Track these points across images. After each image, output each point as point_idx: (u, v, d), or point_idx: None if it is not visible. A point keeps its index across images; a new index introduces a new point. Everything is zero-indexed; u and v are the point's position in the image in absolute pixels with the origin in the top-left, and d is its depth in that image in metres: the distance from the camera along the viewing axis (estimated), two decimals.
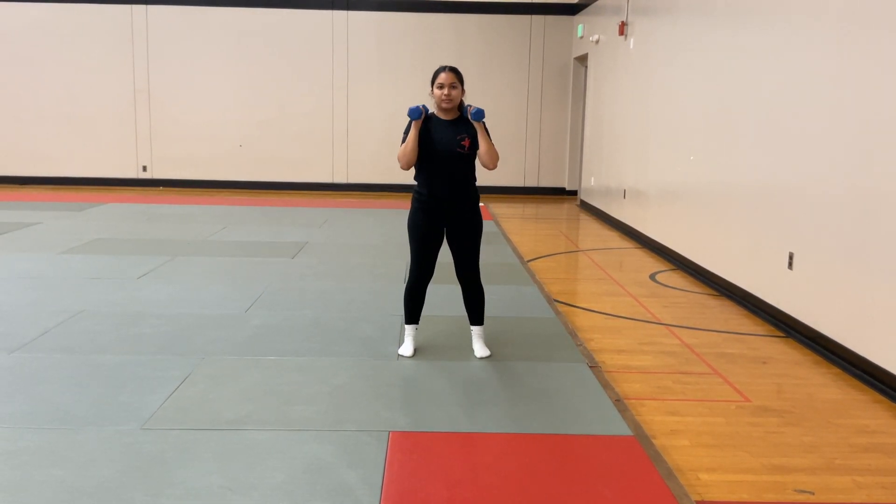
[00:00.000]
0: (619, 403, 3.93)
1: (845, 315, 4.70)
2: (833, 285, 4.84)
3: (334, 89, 13.58)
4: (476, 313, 4.61)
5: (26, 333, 4.84)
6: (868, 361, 4.41)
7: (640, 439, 3.47)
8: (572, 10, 13.28)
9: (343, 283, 6.44)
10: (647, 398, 4.11)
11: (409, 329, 4.61)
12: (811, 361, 4.81)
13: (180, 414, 3.66)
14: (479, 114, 4.28)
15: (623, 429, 3.58)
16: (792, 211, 5.38)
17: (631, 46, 9.63)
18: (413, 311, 4.58)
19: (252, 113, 13.56)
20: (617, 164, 10.29)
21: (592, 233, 10.02)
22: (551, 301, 6.00)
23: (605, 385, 4.18)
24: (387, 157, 12.77)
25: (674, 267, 7.65)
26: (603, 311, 5.90)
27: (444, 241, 4.51)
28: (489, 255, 6.86)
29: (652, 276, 7.23)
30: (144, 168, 13.81)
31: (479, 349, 4.60)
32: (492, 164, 4.36)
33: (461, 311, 4.84)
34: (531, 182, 13.94)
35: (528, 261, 7.73)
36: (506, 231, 9.61)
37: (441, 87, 4.30)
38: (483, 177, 4.89)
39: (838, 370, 4.63)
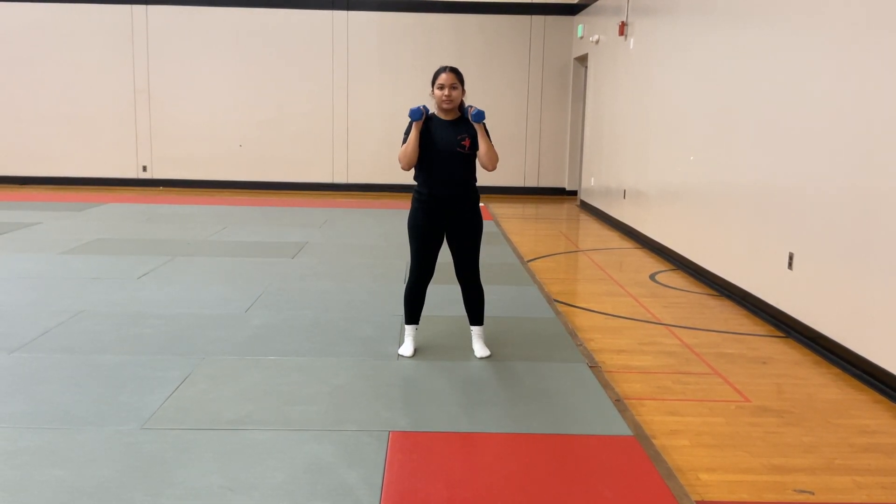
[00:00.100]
0: (619, 403, 3.93)
1: (845, 315, 4.70)
2: (833, 285, 4.84)
3: (334, 89, 13.58)
4: (476, 313, 4.62)
5: (26, 333, 4.84)
6: (868, 361, 4.42)
7: (640, 439, 3.47)
8: (572, 10, 13.29)
9: (343, 283, 6.44)
10: (647, 398, 4.12)
11: (409, 329, 4.61)
12: (811, 361, 4.82)
13: (180, 414, 3.66)
14: (480, 115, 4.29)
15: (623, 429, 3.58)
16: (792, 211, 5.38)
17: (631, 46, 9.63)
18: (413, 312, 4.58)
19: (252, 113, 13.56)
20: (617, 164, 10.29)
21: (592, 233, 10.02)
22: (551, 301, 6.00)
23: (605, 385, 4.18)
24: (387, 157, 12.78)
25: (674, 267, 7.65)
26: (603, 311, 5.90)
27: (445, 241, 4.51)
28: (489, 256, 6.86)
29: (652, 277, 7.23)
30: (144, 168, 13.81)
31: (479, 349, 4.61)
32: (491, 166, 4.36)
33: (461, 311, 4.85)
34: (531, 182, 13.94)
35: (528, 261, 7.74)
36: (506, 231, 9.61)
37: (441, 87, 4.30)
38: (483, 177, 4.89)
39: (838, 370, 4.64)
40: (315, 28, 13.41)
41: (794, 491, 3.12)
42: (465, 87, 4.40)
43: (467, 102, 4.44)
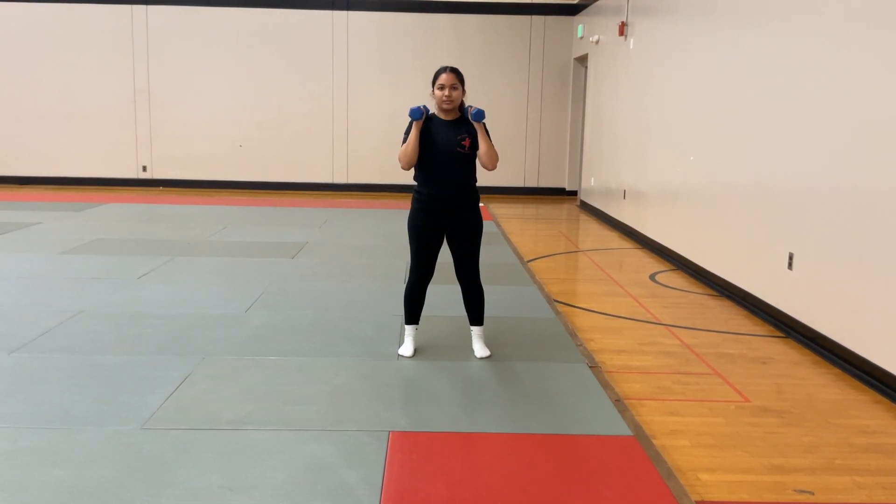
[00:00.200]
0: (619, 403, 3.93)
1: (845, 315, 4.70)
2: (833, 285, 4.84)
3: (334, 89, 13.58)
4: (476, 313, 4.62)
5: (26, 333, 4.84)
6: (868, 361, 4.42)
7: (640, 439, 3.47)
8: (572, 11, 13.29)
9: (343, 283, 6.44)
10: (647, 398, 4.12)
11: (409, 329, 4.61)
12: (811, 362, 4.82)
13: (180, 414, 3.66)
14: (480, 114, 4.29)
15: (623, 429, 3.58)
16: (792, 211, 5.38)
17: (631, 47, 9.63)
18: (413, 312, 4.58)
19: (252, 113, 13.56)
20: (617, 164, 10.30)
21: (592, 233, 10.03)
22: (551, 301, 6.00)
23: (605, 385, 4.18)
24: (387, 157, 12.78)
25: (674, 267, 7.65)
26: (603, 311, 5.90)
27: (445, 241, 4.51)
28: (489, 256, 6.86)
29: (652, 277, 7.23)
30: (144, 168, 13.81)
31: (479, 349, 4.61)
32: (491, 165, 4.36)
33: (461, 311, 4.85)
34: (531, 182, 13.94)
35: (528, 261, 7.74)
36: (506, 231, 9.62)
37: (442, 87, 4.30)
38: (483, 177, 4.89)
39: (838, 370, 4.64)
40: (315, 28, 13.41)
41: (794, 491, 3.12)
42: (466, 88, 4.40)
43: (467, 103, 4.45)
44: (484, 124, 4.35)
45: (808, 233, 5.15)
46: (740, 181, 6.27)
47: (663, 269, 7.60)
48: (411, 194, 4.51)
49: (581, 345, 4.89)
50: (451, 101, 4.31)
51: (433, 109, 4.43)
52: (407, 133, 4.34)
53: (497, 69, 13.53)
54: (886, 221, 4.30)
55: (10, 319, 5.15)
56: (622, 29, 9.85)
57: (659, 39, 8.59)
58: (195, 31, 13.40)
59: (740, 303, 6.12)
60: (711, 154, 6.94)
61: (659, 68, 8.53)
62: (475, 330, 4.64)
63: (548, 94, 13.73)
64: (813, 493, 3.10)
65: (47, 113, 13.54)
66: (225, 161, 13.70)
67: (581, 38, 12.62)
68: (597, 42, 11.49)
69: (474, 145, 4.36)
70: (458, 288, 4.64)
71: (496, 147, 4.45)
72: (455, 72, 4.33)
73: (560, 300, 6.15)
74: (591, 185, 11.82)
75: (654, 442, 3.51)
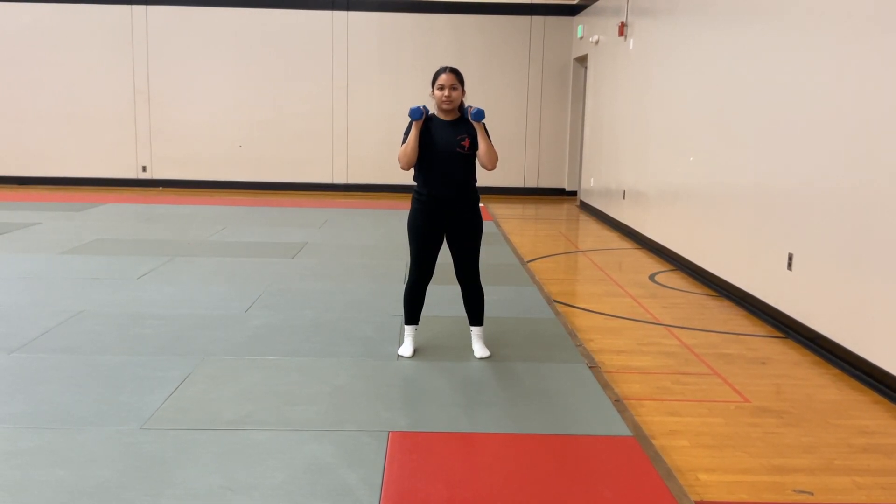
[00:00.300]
0: (619, 404, 3.93)
1: (844, 316, 4.71)
2: (832, 286, 4.84)
3: (334, 89, 13.58)
4: (476, 314, 4.62)
5: (26, 333, 4.84)
6: (867, 362, 4.42)
7: (640, 440, 3.48)
8: (572, 11, 13.29)
9: (343, 284, 6.44)
10: (647, 399, 4.12)
11: (408, 329, 4.62)
12: (810, 362, 4.82)
13: (180, 414, 3.66)
14: (480, 114, 4.29)
15: (622, 429, 3.58)
16: (791, 211, 5.38)
17: (630, 47, 9.63)
18: (413, 312, 4.58)
19: (252, 113, 13.56)
20: (616, 164, 10.30)
21: (592, 233, 10.03)
22: (551, 301, 6.00)
23: (605, 385, 4.18)
24: (387, 157, 12.77)
25: (673, 268, 7.65)
26: (602, 311, 5.90)
27: (444, 241, 4.52)
28: (489, 256, 6.86)
29: (651, 277, 7.23)
30: (144, 168, 13.81)
31: (479, 350, 4.61)
32: (491, 165, 4.36)
33: (461, 311, 4.85)
34: (531, 182, 13.94)
35: (528, 261, 7.74)
36: (505, 231, 9.62)
37: (441, 88, 4.30)
38: (483, 177, 4.89)
39: (837, 371, 4.64)
40: (315, 28, 13.41)
41: (794, 491, 3.13)
42: (465, 88, 4.40)
43: (467, 103, 4.45)
44: (484, 124, 4.35)
45: (807, 233, 5.15)
46: (740, 181, 6.28)
47: (663, 269, 7.61)
48: (411, 195, 4.51)
49: (581, 345, 4.90)
50: (451, 101, 4.32)
51: (433, 110, 4.43)
52: (406, 133, 4.34)
53: (497, 69, 13.53)
54: (886, 222, 4.30)
55: (10, 319, 5.16)
56: (622, 29, 9.85)
57: (659, 40, 8.60)
58: (195, 31, 13.39)
59: (740, 303, 6.12)
60: (711, 154, 6.94)
61: (659, 68, 8.54)
62: (475, 330, 4.64)
63: (547, 94, 13.73)
64: (812, 494, 3.11)
65: (47, 113, 13.54)
66: (225, 161, 13.70)
67: (581, 38, 12.62)
68: (596, 42, 11.49)
69: (474, 145, 4.36)
70: (458, 288, 4.64)
71: (496, 147, 4.46)
72: (455, 72, 4.33)
73: (560, 300, 6.15)
74: (591, 185, 11.82)
75: (654, 442, 3.52)
